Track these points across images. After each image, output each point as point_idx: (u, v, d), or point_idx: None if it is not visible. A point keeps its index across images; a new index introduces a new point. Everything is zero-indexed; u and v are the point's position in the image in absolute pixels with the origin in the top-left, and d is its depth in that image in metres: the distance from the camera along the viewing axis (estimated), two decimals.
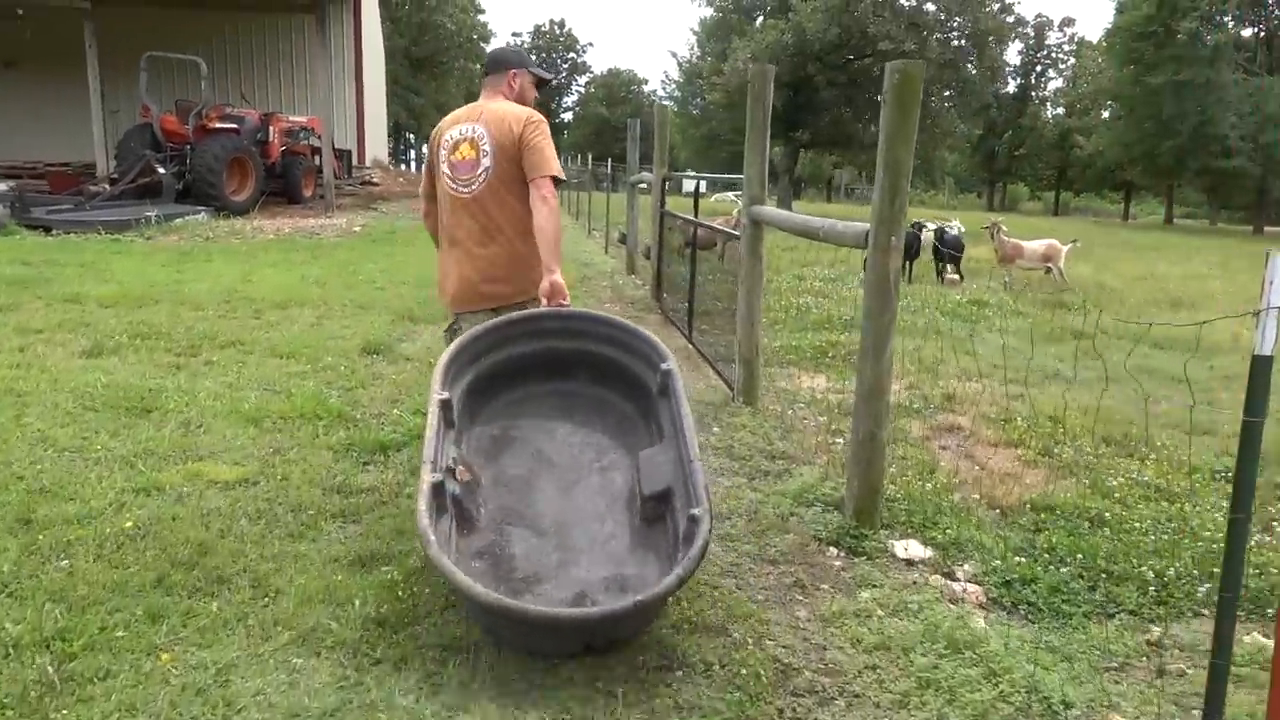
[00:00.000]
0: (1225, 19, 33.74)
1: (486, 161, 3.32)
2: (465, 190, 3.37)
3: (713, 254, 10.28)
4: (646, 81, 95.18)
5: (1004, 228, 10.61)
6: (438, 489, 2.70)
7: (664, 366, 3.22)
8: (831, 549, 3.55)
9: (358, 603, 2.83)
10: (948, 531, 3.66)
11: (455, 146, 3.40)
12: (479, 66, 60.27)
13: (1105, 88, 40.48)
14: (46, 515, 3.34)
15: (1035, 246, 11.36)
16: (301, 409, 4.77)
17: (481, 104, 3.47)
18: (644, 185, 9.71)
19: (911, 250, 11.04)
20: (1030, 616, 3.06)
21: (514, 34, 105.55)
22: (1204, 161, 32.99)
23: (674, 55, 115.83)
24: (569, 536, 2.97)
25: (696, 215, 7.19)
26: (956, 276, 11.39)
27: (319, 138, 16.57)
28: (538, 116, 3.37)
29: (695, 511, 2.67)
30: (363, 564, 3.13)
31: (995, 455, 4.85)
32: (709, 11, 34.30)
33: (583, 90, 76.17)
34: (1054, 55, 60.10)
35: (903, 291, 9.62)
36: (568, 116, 74.61)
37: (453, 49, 52.65)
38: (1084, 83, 54.40)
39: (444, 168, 3.42)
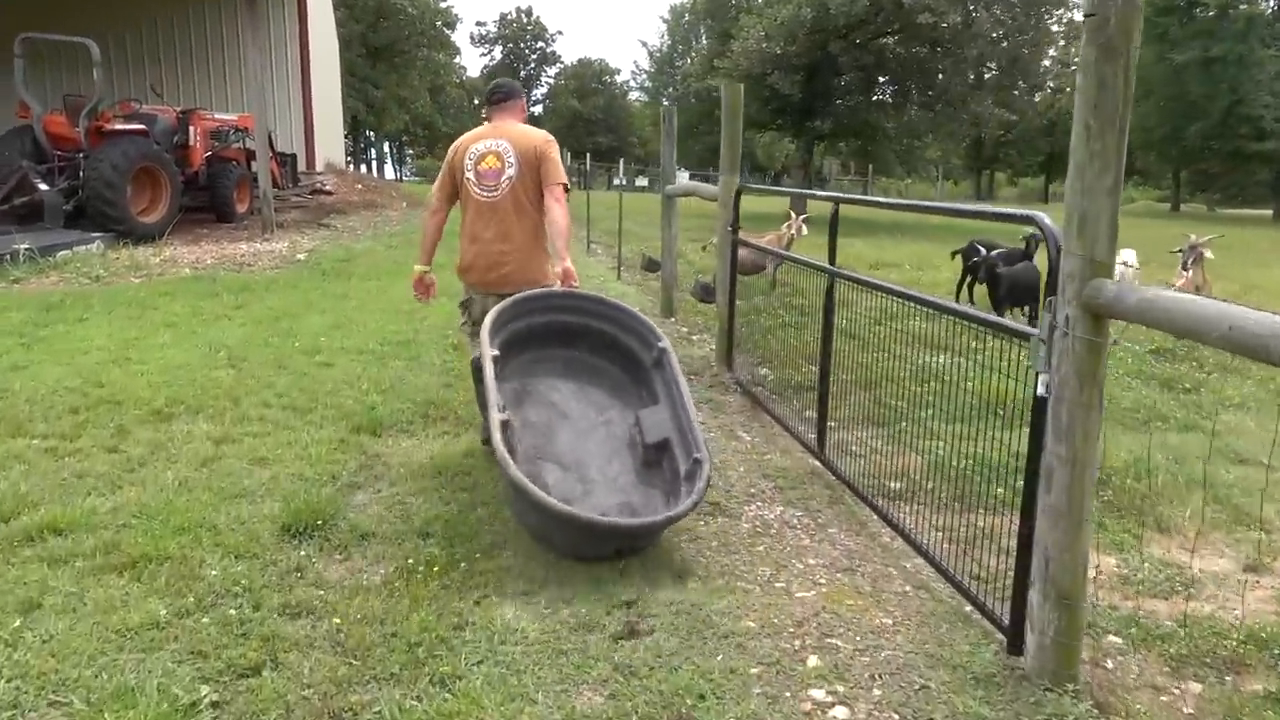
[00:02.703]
0: None
1: (511, 171, 3.97)
2: (490, 195, 4.00)
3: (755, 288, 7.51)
4: (619, 71, 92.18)
5: (1209, 254, 7.56)
6: (506, 425, 3.29)
7: (660, 345, 3.94)
8: None
9: None
10: None
11: (482, 158, 4.03)
12: (441, 56, 57.01)
13: None
14: None
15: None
16: None
17: (499, 125, 4.12)
18: (708, 194, 6.92)
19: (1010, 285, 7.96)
20: None
21: (478, 23, 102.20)
22: (1235, 144, 30.57)
23: (644, 44, 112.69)
24: (586, 472, 3.64)
25: (833, 259, 4.40)
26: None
27: (254, 139, 13.51)
28: (551, 137, 4.10)
29: (698, 455, 3.43)
30: None
31: None
32: None
33: (552, 82, 72.66)
34: (1039, 39, 57.84)
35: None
36: (538, 109, 71.06)
37: (414, 36, 48.78)
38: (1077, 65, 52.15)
39: (470, 175, 4.03)
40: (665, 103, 38.87)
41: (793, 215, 10.00)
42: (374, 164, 60.59)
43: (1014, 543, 3.40)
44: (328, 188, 17.56)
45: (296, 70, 18.43)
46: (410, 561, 3.27)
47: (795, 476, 4.40)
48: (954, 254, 9.84)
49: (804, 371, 5.82)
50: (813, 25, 21.81)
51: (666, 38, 64.94)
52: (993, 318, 3.07)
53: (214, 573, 3.13)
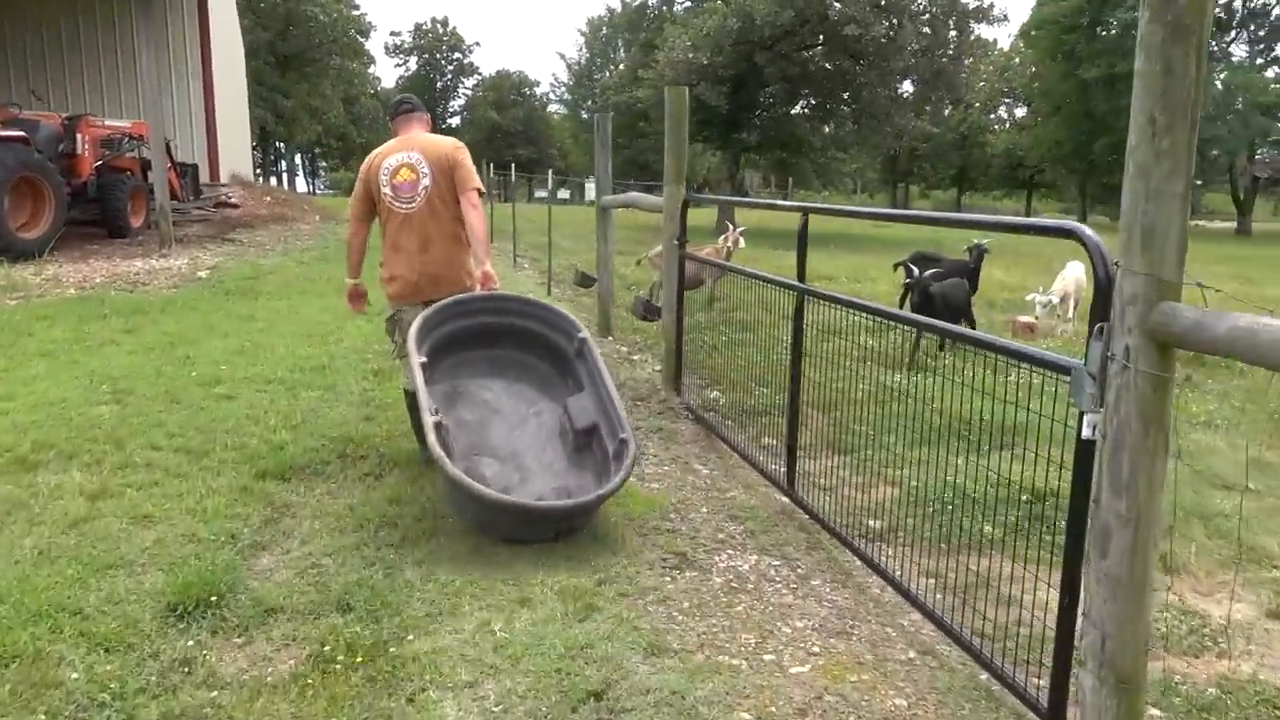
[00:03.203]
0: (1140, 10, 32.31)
1: (425, 181, 4.06)
2: (408, 207, 4.07)
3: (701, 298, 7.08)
4: (538, 83, 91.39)
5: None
6: (439, 426, 3.45)
7: (580, 335, 4.18)
8: None
9: None
10: None
11: (396, 171, 4.08)
12: (355, 65, 55.42)
13: (1020, 83, 38.94)
14: None
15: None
16: None
17: (408, 137, 4.20)
18: (655, 206, 6.47)
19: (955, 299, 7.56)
20: None
21: (393, 33, 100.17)
22: None
23: (562, 57, 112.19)
24: (523, 461, 3.88)
25: (803, 275, 3.98)
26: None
27: (150, 147, 12.52)
28: (461, 144, 4.21)
29: (623, 435, 3.64)
30: None
31: None
32: (601, 11, 30.86)
33: (470, 93, 71.40)
34: (946, 54, 59.44)
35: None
36: (455, 121, 69.78)
37: (326, 44, 47.12)
38: (986, 80, 53.64)
39: (386, 190, 4.09)
40: (585, 115, 38.35)
41: (729, 226, 9.62)
42: (285, 176, 58.50)
43: (1016, 589, 3.03)
44: (233, 200, 16.53)
45: (197, 75, 17.35)
46: (327, 647, 2.70)
47: (765, 517, 3.95)
48: (896, 266, 9.59)
49: (757, 395, 5.41)
50: (739, 36, 21.63)
51: (585, 50, 64.77)
52: (1029, 349, 2.65)
53: (75, 675, 2.50)
